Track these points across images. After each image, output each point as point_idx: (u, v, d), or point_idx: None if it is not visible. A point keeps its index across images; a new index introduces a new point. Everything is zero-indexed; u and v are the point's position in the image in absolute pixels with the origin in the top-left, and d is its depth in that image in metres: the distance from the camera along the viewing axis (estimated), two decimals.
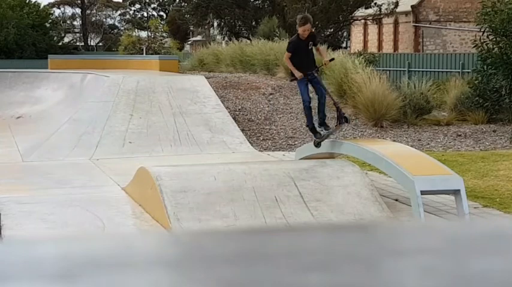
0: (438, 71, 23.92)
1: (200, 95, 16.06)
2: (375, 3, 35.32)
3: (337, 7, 33.10)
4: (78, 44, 56.56)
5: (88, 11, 67.02)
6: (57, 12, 65.10)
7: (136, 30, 50.02)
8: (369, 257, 0.84)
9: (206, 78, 17.89)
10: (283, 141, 14.78)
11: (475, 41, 17.19)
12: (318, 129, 9.75)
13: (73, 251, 0.86)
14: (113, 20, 70.91)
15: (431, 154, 10.70)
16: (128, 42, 32.50)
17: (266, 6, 36.34)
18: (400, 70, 25.39)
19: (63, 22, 61.77)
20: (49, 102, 18.82)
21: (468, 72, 20.70)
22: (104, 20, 69.91)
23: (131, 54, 29.55)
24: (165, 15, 64.96)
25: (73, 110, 15.79)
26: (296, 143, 14.37)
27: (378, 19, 38.07)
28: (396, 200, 9.36)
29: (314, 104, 9.85)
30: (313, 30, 9.92)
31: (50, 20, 39.52)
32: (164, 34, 35.11)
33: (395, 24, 40.23)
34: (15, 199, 9.21)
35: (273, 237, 0.93)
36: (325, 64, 9.92)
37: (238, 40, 26.84)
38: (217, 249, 0.87)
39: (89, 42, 63.43)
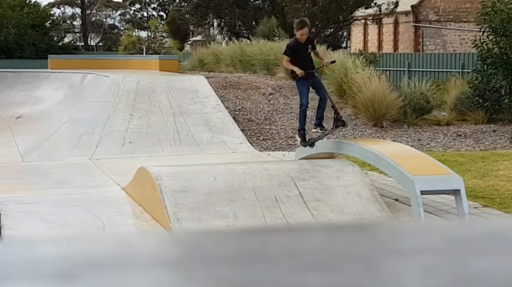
0: (438, 71, 23.92)
1: (200, 95, 16.06)
2: (375, 3, 35.31)
3: (337, 7, 33.09)
4: (78, 44, 56.56)
5: (88, 11, 67.02)
6: (57, 12, 65.19)
7: (136, 30, 50.05)
8: (369, 257, 0.84)
9: (206, 78, 17.89)
10: (283, 141, 14.78)
11: (475, 41, 17.19)
12: (314, 129, 9.75)
13: (73, 251, 0.86)
14: (113, 20, 70.97)
15: (431, 154, 10.70)
16: (128, 42, 32.50)
17: (266, 6, 36.34)
18: (400, 70, 25.40)
19: (63, 22, 61.78)
20: (49, 102, 18.82)
21: (468, 72, 20.70)
22: (104, 20, 69.93)
23: (131, 54, 29.55)
24: (165, 15, 64.96)
25: (73, 110, 15.79)
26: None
27: (378, 19, 38.06)
28: (396, 200, 9.36)
29: (313, 105, 9.86)
30: (311, 34, 9.91)
31: (50, 21, 39.51)
32: (164, 34, 35.11)
33: (396, 24, 40.23)
34: (15, 199, 9.21)
35: (273, 237, 0.93)
36: (326, 65, 9.92)
37: (238, 40, 26.84)
38: (217, 249, 0.87)
39: (89, 42, 63.44)
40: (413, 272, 0.79)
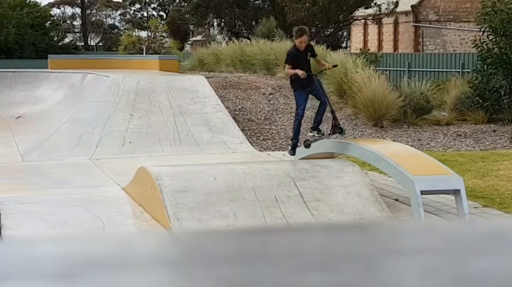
0: (438, 71, 23.93)
1: (200, 95, 16.06)
2: (375, 3, 35.31)
3: (337, 7, 33.09)
4: (78, 44, 56.58)
5: (88, 11, 67.03)
6: (57, 12, 65.19)
7: (136, 30, 50.07)
8: (369, 257, 0.84)
9: (206, 78, 17.89)
10: (283, 141, 14.77)
11: (475, 41, 17.19)
12: (311, 132, 9.74)
13: (73, 251, 0.86)
14: (113, 20, 70.98)
15: (431, 154, 10.70)
16: (128, 42, 32.52)
17: (266, 6, 36.34)
18: (400, 70, 25.40)
19: (63, 22, 61.78)
20: (49, 102, 18.82)
21: (468, 72, 20.71)
22: (104, 20, 69.94)
23: (131, 54, 29.56)
24: (165, 15, 64.97)
25: (73, 110, 15.79)
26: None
27: (378, 19, 38.07)
28: (396, 200, 9.36)
29: (314, 105, 9.85)
30: (310, 40, 9.89)
31: (50, 21, 39.51)
32: (164, 34, 35.12)
33: (396, 24, 40.23)
34: (15, 199, 9.21)
35: (273, 237, 0.93)
36: (328, 68, 9.92)
37: (238, 40, 26.84)
38: (217, 249, 0.87)
39: (89, 42, 63.45)
40: (413, 272, 0.79)
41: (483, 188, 9.88)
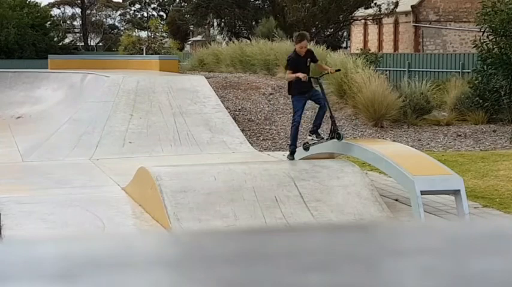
0: (438, 71, 23.93)
1: (200, 95, 16.06)
2: (375, 3, 35.31)
3: (337, 7, 33.09)
4: (78, 44, 56.59)
5: (88, 11, 67.03)
6: (57, 12, 65.19)
7: (136, 30, 50.07)
8: (369, 257, 0.84)
9: (206, 78, 17.89)
10: (283, 141, 14.77)
11: (475, 41, 17.19)
12: (310, 136, 9.70)
13: (73, 251, 0.86)
14: (113, 20, 70.97)
15: (431, 154, 10.71)
16: (128, 42, 32.52)
17: (266, 6, 36.33)
18: (400, 70, 25.40)
19: (63, 22, 61.78)
20: (49, 102, 18.83)
21: (468, 72, 20.71)
22: (104, 20, 69.93)
23: (131, 54, 29.56)
24: (165, 15, 64.98)
25: (73, 110, 15.79)
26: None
27: (378, 19, 38.07)
28: (396, 200, 9.36)
29: (314, 106, 9.83)
30: (310, 44, 9.85)
31: (50, 22, 39.51)
32: (164, 34, 35.13)
33: (396, 24, 40.23)
34: (15, 199, 9.21)
35: (273, 237, 0.93)
36: (330, 73, 9.89)
37: (238, 40, 26.85)
38: (217, 249, 0.87)
39: (89, 42, 63.44)
40: (413, 272, 0.79)
41: (483, 188, 9.88)
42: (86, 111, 15.09)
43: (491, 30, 16.66)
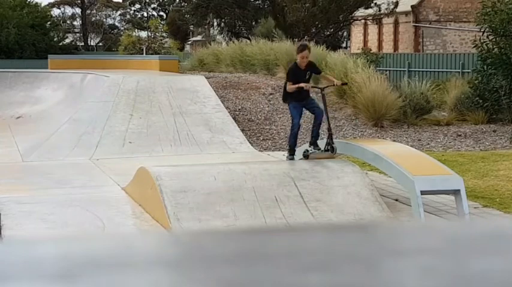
0: (438, 71, 23.93)
1: (200, 95, 16.06)
2: (375, 3, 35.31)
3: (337, 7, 33.09)
4: (78, 44, 56.58)
5: (88, 11, 67.03)
6: (57, 12, 65.19)
7: (136, 30, 50.07)
8: (369, 257, 0.84)
9: (206, 78, 17.89)
10: (283, 141, 14.77)
11: (475, 41, 17.20)
12: (309, 147, 9.62)
13: (73, 251, 0.86)
14: (113, 20, 70.97)
15: (431, 154, 10.71)
16: (128, 42, 32.52)
17: (266, 6, 36.33)
18: (400, 70, 25.41)
19: (63, 22, 61.77)
20: (49, 102, 18.83)
21: (468, 72, 20.71)
22: (104, 20, 69.93)
23: (131, 54, 29.56)
24: (165, 15, 64.98)
25: (73, 110, 15.79)
26: (297, 144, 14.37)
27: (378, 19, 38.07)
28: (396, 200, 9.36)
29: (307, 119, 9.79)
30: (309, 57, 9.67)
31: (50, 22, 39.51)
32: (164, 34, 35.12)
33: (396, 24, 40.23)
34: (15, 199, 9.21)
35: (273, 237, 0.93)
36: (336, 85, 9.81)
37: (238, 40, 26.85)
38: (217, 249, 0.87)
39: (89, 42, 63.44)
40: (413, 272, 0.79)
41: (483, 188, 9.88)
42: (86, 111, 15.09)
43: (491, 30, 16.66)
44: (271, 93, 17.75)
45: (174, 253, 0.89)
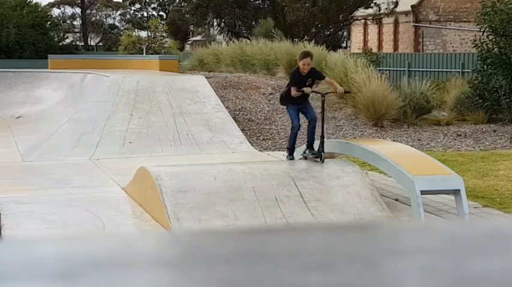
0: (438, 71, 23.93)
1: (200, 95, 16.06)
2: (375, 3, 35.32)
3: (337, 7, 33.10)
4: (78, 44, 56.59)
5: (88, 11, 67.03)
6: (57, 12, 65.19)
7: (136, 30, 50.06)
8: (369, 257, 0.84)
9: (206, 78, 17.89)
10: (283, 141, 14.77)
11: (475, 41, 17.20)
12: (306, 150, 9.58)
13: (73, 251, 0.86)
14: (113, 20, 70.96)
15: (431, 154, 10.70)
16: (128, 42, 32.52)
17: (266, 6, 36.34)
18: (400, 70, 25.41)
19: (63, 22, 61.77)
20: (49, 102, 18.83)
21: (468, 72, 20.71)
22: (104, 20, 69.92)
23: (131, 54, 29.56)
24: (165, 15, 64.98)
25: (73, 110, 15.79)
26: (296, 143, 14.37)
27: (377, 19, 38.08)
28: (396, 200, 9.36)
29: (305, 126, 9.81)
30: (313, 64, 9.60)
31: (50, 22, 39.52)
32: (164, 34, 35.12)
33: (396, 24, 40.24)
34: (15, 199, 9.21)
35: (273, 237, 0.93)
36: (338, 92, 9.79)
37: (238, 40, 26.85)
38: (217, 249, 0.87)
39: (89, 42, 63.44)
40: (413, 272, 0.79)
41: (483, 188, 9.88)
42: (86, 111, 15.09)
43: (491, 30, 16.67)
44: (271, 93, 17.74)
45: (174, 253, 0.89)
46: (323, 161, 9.13)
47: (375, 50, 33.62)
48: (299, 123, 9.50)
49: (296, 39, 24.60)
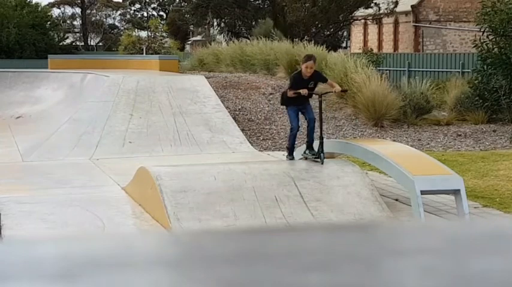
0: (438, 71, 23.93)
1: (200, 95, 16.06)
2: (375, 3, 35.32)
3: (337, 7, 33.10)
4: (78, 44, 56.58)
5: (88, 11, 67.02)
6: (57, 12, 65.19)
7: (136, 30, 50.04)
8: (369, 257, 0.84)
9: (206, 78, 17.89)
10: (283, 141, 14.77)
11: (475, 41, 17.20)
12: (306, 150, 9.58)
13: (73, 251, 0.86)
14: (113, 20, 70.96)
15: (431, 154, 10.70)
16: (127, 42, 32.51)
17: (266, 6, 36.34)
18: (400, 70, 25.40)
19: (63, 22, 61.78)
20: (49, 102, 18.83)
21: (468, 72, 20.72)
22: (104, 20, 69.92)
23: (131, 54, 29.55)
24: (165, 15, 64.98)
25: (73, 110, 15.79)
26: (296, 143, 14.36)
27: (377, 19, 38.09)
28: (396, 200, 9.36)
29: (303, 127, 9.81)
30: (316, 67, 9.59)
31: (50, 22, 39.52)
32: (164, 34, 35.11)
33: (396, 24, 40.23)
34: (15, 199, 9.20)
35: (273, 237, 0.93)
36: (335, 92, 9.83)
37: (238, 40, 26.85)
38: (217, 249, 0.87)
39: (89, 42, 63.43)
40: (413, 272, 0.79)
41: (483, 188, 9.88)
42: (86, 111, 15.09)
43: (491, 30, 16.67)
44: (271, 93, 17.74)
45: (174, 253, 0.89)
46: (323, 163, 9.14)
47: (375, 50, 33.62)
48: (298, 124, 9.52)
49: (296, 39, 24.61)
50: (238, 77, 19.57)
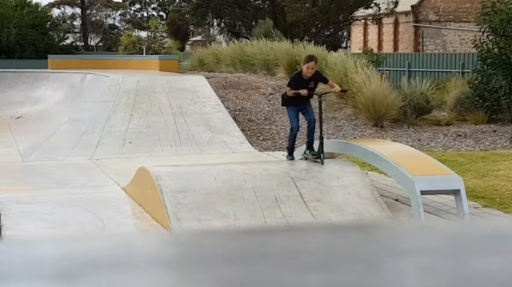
0: (438, 71, 23.94)
1: (200, 95, 16.06)
2: (375, 3, 35.32)
3: (337, 7, 33.10)
4: (78, 44, 56.59)
5: (88, 11, 67.03)
6: (57, 12, 65.20)
7: (136, 30, 50.04)
8: (369, 257, 0.84)
9: (206, 78, 17.89)
10: (283, 141, 14.77)
11: (475, 41, 17.20)
12: (306, 151, 9.58)
13: (73, 251, 0.86)
14: (113, 20, 70.96)
15: (431, 154, 10.71)
16: (128, 42, 32.51)
17: (266, 6, 36.34)
18: (400, 70, 25.41)
19: (63, 22, 61.78)
20: (49, 102, 18.83)
21: (468, 72, 20.72)
22: (104, 20, 69.92)
23: (131, 54, 29.55)
24: (165, 15, 64.98)
25: (73, 110, 15.79)
26: (296, 143, 14.36)
27: (377, 19, 38.09)
28: (396, 200, 9.36)
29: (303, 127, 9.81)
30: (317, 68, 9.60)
31: (50, 22, 39.52)
32: (164, 34, 35.11)
33: (396, 24, 40.23)
34: (15, 199, 9.21)
35: (273, 237, 0.93)
36: (335, 92, 9.84)
37: (238, 40, 26.84)
38: (217, 249, 0.87)
39: (89, 42, 63.43)
40: (413, 272, 0.79)
41: (483, 188, 9.88)
42: (86, 111, 15.09)
43: (491, 30, 16.67)
44: (271, 93, 17.74)
45: (174, 253, 0.89)
46: (323, 163, 9.14)
47: (375, 50, 33.62)
48: (298, 125, 9.52)
49: (296, 40, 24.61)
50: (238, 77, 19.57)
